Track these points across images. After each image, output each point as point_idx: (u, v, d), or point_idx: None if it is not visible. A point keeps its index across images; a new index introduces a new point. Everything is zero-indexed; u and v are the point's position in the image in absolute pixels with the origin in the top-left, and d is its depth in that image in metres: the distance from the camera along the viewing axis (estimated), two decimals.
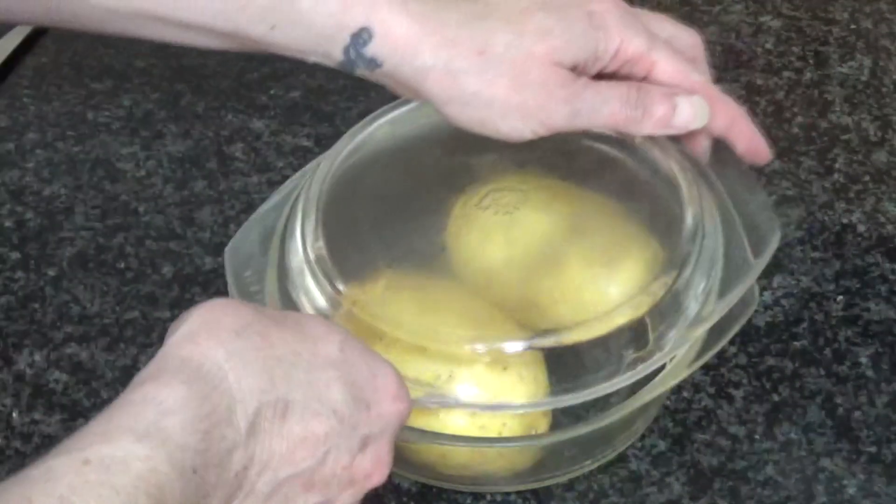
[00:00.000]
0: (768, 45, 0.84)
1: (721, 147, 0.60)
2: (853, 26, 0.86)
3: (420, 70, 0.55)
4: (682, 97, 0.57)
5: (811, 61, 0.83)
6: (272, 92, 0.81)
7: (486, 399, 0.55)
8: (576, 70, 0.56)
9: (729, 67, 0.83)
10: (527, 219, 0.61)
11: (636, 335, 0.56)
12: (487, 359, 0.55)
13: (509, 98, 0.55)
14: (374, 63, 0.55)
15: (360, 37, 0.54)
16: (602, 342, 0.55)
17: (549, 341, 0.56)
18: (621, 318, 0.56)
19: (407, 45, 0.54)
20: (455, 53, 0.54)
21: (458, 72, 0.54)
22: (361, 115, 0.75)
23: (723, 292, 0.57)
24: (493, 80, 0.54)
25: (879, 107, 0.80)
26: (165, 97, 0.81)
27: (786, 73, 0.82)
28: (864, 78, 0.82)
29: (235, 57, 0.83)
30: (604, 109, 0.55)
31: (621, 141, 0.63)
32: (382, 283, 0.59)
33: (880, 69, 0.82)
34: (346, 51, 0.55)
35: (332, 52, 0.55)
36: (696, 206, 0.59)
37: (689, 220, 0.58)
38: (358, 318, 0.56)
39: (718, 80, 0.81)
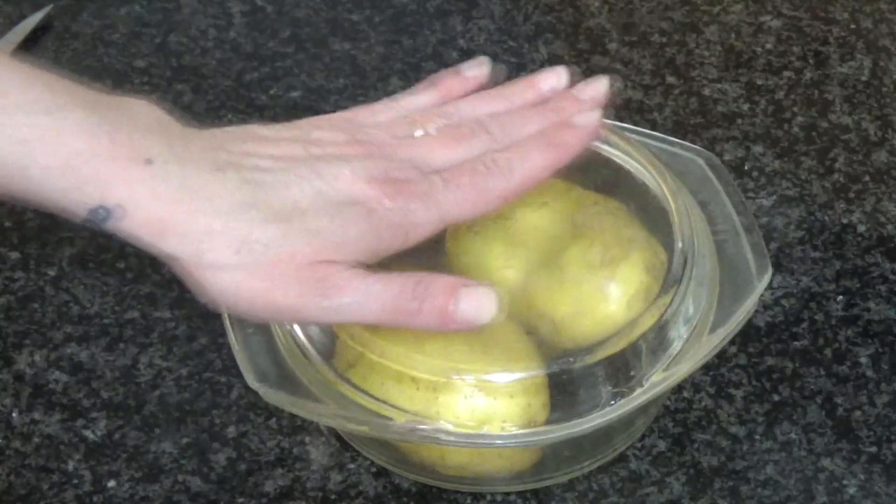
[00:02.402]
0: (768, 45, 0.84)
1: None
2: (853, 26, 0.86)
3: (169, 257, 0.51)
4: (466, 289, 0.52)
5: (811, 61, 0.83)
6: (272, 92, 0.81)
7: (474, 426, 0.55)
8: (358, 263, 0.53)
9: (729, 67, 0.83)
10: (527, 219, 0.61)
11: (620, 368, 0.56)
12: (474, 388, 0.55)
13: (262, 296, 0.51)
14: (116, 236, 0.51)
15: (98, 213, 0.49)
16: (590, 373, 0.56)
17: (538, 372, 0.56)
18: (605, 352, 0.56)
19: (151, 230, 0.50)
20: (207, 247, 0.50)
21: (209, 265, 0.50)
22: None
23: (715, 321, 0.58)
24: (245, 279, 0.51)
25: (879, 107, 0.80)
26: (165, 97, 0.81)
27: (786, 73, 0.82)
28: (864, 78, 0.82)
29: (235, 57, 0.83)
30: (372, 305, 0.52)
31: (621, 143, 0.64)
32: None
33: (880, 69, 0.83)
34: (87, 222, 0.50)
35: (72, 217, 0.50)
36: (687, 231, 0.59)
37: (678, 244, 0.59)
38: (343, 339, 0.57)
39: (719, 79, 0.82)
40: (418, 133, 0.56)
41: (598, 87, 0.59)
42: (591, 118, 0.58)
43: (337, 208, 0.52)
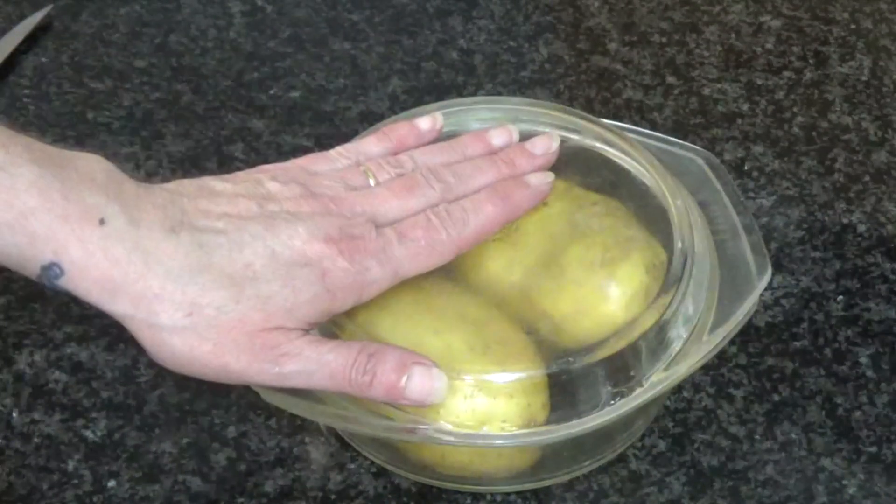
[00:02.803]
0: (768, 45, 0.84)
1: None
2: (853, 26, 0.86)
3: (122, 317, 0.51)
4: (419, 367, 0.53)
5: (811, 61, 0.83)
6: (272, 92, 0.81)
7: (474, 426, 0.55)
8: (311, 325, 0.54)
9: (729, 67, 0.83)
10: (527, 219, 0.61)
11: (620, 368, 0.56)
12: (474, 388, 0.55)
13: (214, 360, 0.52)
14: (70, 295, 0.51)
15: (51, 270, 0.50)
16: (590, 373, 0.56)
17: (538, 372, 0.56)
18: (605, 352, 0.56)
19: (104, 290, 0.51)
20: (159, 309, 0.51)
21: (161, 328, 0.51)
22: (361, 115, 0.76)
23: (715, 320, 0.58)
24: (197, 342, 0.51)
25: (879, 107, 0.80)
26: (165, 97, 0.81)
27: (786, 73, 0.82)
28: (864, 78, 0.82)
29: (235, 57, 0.83)
30: (323, 375, 0.53)
31: (621, 143, 0.64)
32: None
33: (880, 69, 0.83)
34: (40, 279, 0.51)
35: (26, 273, 0.51)
36: (687, 231, 0.59)
37: (678, 244, 0.59)
38: (343, 339, 0.56)
39: (719, 79, 0.82)
40: (371, 182, 0.57)
41: (550, 142, 0.61)
42: (543, 179, 0.59)
43: (290, 271, 0.52)
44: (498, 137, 0.61)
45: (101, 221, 0.50)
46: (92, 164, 0.52)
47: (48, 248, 0.50)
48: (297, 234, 0.53)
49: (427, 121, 0.61)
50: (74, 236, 0.50)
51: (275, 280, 0.52)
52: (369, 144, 0.60)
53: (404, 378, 0.53)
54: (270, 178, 0.56)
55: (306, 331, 0.53)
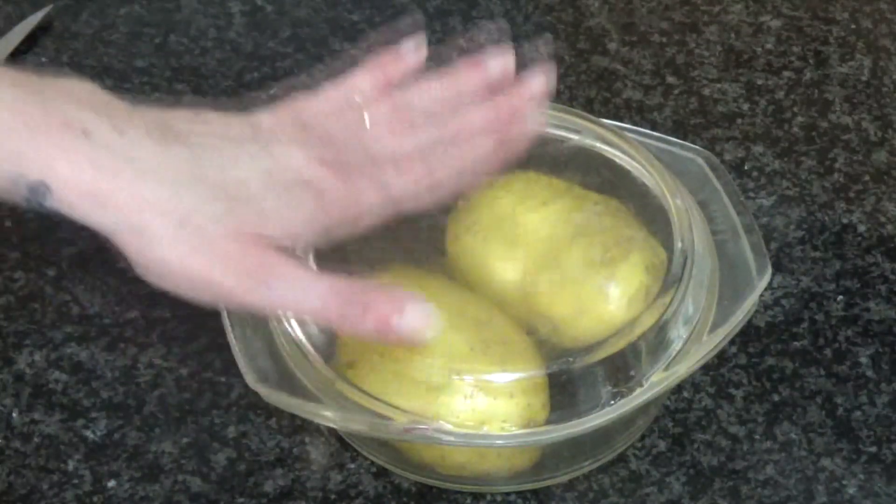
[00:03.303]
0: (768, 45, 0.84)
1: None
2: (853, 26, 0.86)
3: (110, 227, 0.49)
4: (413, 303, 0.51)
5: (811, 61, 0.83)
6: (272, 92, 0.81)
7: (474, 426, 0.55)
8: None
9: (729, 67, 0.83)
10: (527, 219, 0.61)
11: (620, 368, 0.56)
12: (475, 388, 0.55)
13: (202, 275, 0.49)
14: (59, 214, 0.49)
15: (38, 190, 0.48)
16: (590, 373, 0.56)
17: (538, 372, 0.56)
18: (605, 352, 0.56)
19: (92, 202, 0.48)
20: (150, 218, 0.48)
21: (151, 238, 0.49)
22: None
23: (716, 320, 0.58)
24: (187, 254, 0.49)
25: (879, 107, 0.80)
26: (165, 97, 0.81)
27: (786, 73, 0.82)
28: (864, 78, 0.82)
29: (235, 57, 0.83)
30: (314, 300, 0.50)
31: (621, 143, 0.64)
32: (382, 282, 0.59)
33: (880, 69, 0.83)
34: (28, 201, 0.48)
35: (15, 197, 0.49)
36: (687, 231, 0.59)
37: (678, 244, 0.59)
38: (343, 339, 0.57)
39: (719, 79, 0.82)
40: (367, 120, 0.55)
41: (542, 77, 0.58)
42: (538, 116, 0.57)
43: (286, 189, 0.51)
44: (494, 64, 0.58)
45: (86, 132, 0.48)
46: (75, 84, 0.50)
47: (34, 165, 0.48)
48: (294, 155, 0.52)
49: (411, 48, 0.58)
50: (59, 149, 0.48)
51: (271, 197, 0.50)
52: (360, 79, 0.57)
53: (398, 314, 0.50)
54: (266, 115, 0.55)
55: (302, 259, 0.52)
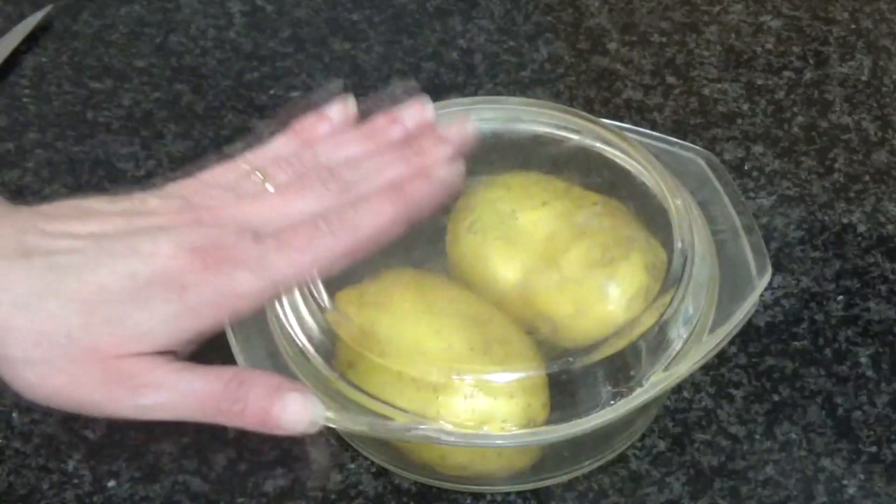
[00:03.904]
0: (768, 45, 0.84)
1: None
2: (853, 26, 0.86)
3: None
4: (293, 394, 0.50)
5: (811, 61, 0.83)
6: (272, 92, 0.81)
7: (474, 426, 0.55)
8: (175, 352, 0.50)
9: (729, 67, 0.83)
10: (527, 219, 0.61)
11: (620, 368, 0.56)
12: (475, 388, 0.55)
13: (70, 395, 0.49)
14: None
15: None
16: (590, 373, 0.56)
17: (538, 372, 0.56)
18: (605, 352, 0.56)
19: None
20: (9, 341, 0.48)
21: (13, 360, 0.48)
22: (361, 115, 0.75)
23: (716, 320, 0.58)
24: (49, 373, 0.48)
25: (879, 107, 0.80)
26: (165, 97, 0.81)
27: (786, 73, 0.82)
28: (864, 78, 0.82)
29: (235, 57, 0.83)
30: (189, 404, 0.49)
31: (621, 143, 0.64)
32: (382, 282, 0.59)
33: (880, 69, 0.83)
34: None
35: None
36: (687, 231, 0.59)
37: (678, 244, 0.59)
38: (343, 339, 0.56)
39: (719, 79, 0.82)
40: (269, 187, 0.54)
41: (464, 127, 0.57)
42: (451, 172, 0.55)
43: (145, 291, 0.49)
44: (410, 117, 0.57)
45: None
46: None
47: None
48: (159, 248, 0.49)
49: (338, 108, 0.57)
50: None
51: (128, 301, 0.48)
52: (278, 144, 0.56)
53: (278, 405, 0.50)
54: (157, 196, 0.53)
55: (174, 357, 0.50)
